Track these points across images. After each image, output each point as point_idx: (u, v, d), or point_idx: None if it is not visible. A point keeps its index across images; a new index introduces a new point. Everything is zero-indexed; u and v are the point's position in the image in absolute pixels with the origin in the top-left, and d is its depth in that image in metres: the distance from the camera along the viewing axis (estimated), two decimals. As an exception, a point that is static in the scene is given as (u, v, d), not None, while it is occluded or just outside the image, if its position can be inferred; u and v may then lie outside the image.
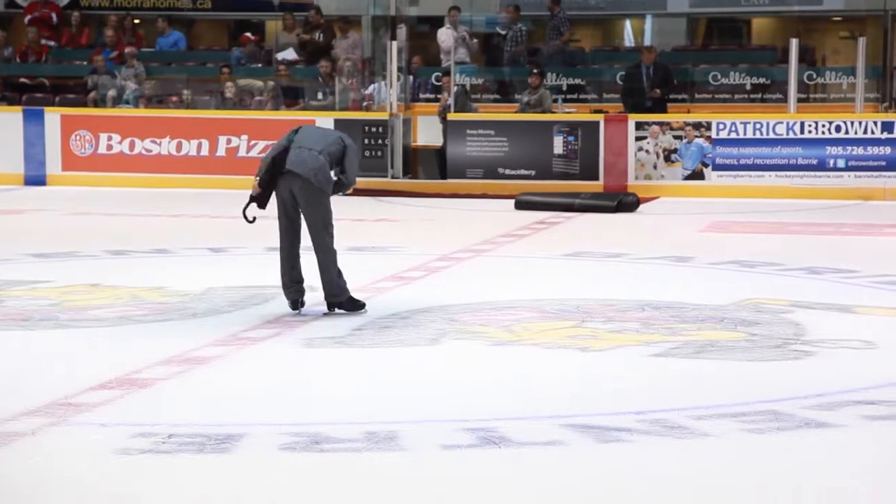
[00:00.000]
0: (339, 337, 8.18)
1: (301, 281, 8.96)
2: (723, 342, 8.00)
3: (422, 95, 20.66)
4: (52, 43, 22.20)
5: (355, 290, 9.13)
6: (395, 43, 18.65)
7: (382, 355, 7.77)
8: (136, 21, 22.89)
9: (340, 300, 8.91)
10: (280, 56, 20.67)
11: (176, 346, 7.86)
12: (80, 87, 21.06)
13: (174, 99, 20.18)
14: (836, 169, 17.01)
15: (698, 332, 8.33)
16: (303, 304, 8.96)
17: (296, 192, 8.76)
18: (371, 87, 19.58)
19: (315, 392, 6.94)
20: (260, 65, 21.39)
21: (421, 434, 6.01)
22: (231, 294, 9.68)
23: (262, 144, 18.25)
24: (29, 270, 10.85)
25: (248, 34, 22.22)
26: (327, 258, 8.85)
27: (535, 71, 19.12)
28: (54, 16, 22.85)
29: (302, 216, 8.89)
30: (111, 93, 20.14)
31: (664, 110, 18.37)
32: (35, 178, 18.59)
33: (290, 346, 7.98)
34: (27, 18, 22.21)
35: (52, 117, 18.79)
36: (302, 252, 8.98)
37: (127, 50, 20.84)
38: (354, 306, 8.94)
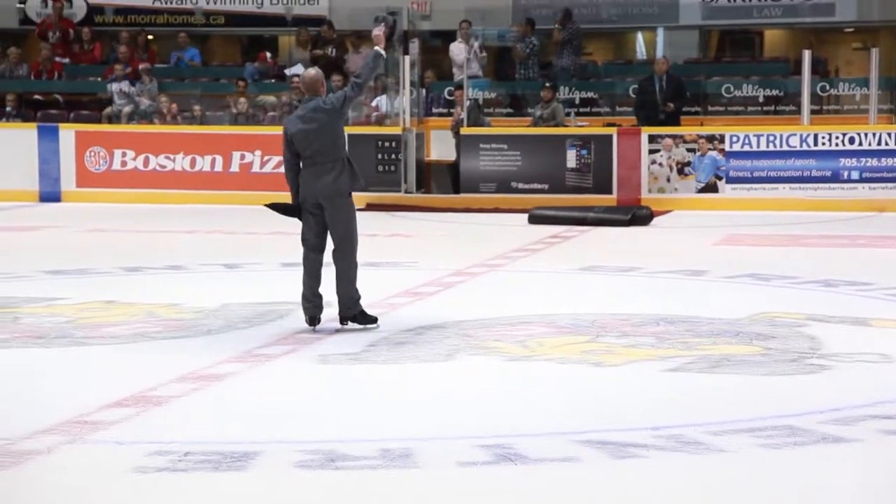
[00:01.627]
0: (353, 353, 8.18)
1: (321, 296, 8.97)
2: (738, 356, 7.98)
3: (434, 110, 20.67)
4: (65, 60, 22.26)
5: (369, 306, 9.13)
6: (407, 57, 18.68)
7: (397, 371, 7.77)
8: (150, 37, 22.94)
9: (354, 313, 8.93)
10: (290, 72, 20.72)
11: (191, 362, 7.87)
12: (94, 102, 21.12)
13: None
14: (850, 181, 16.98)
15: (713, 346, 8.31)
16: (319, 320, 8.98)
17: (322, 203, 8.85)
18: (376, 100, 19.59)
19: (330, 409, 6.94)
20: (273, 80, 21.44)
21: (436, 451, 6.00)
22: (246, 310, 9.69)
23: (275, 160, 18.27)
24: (44, 287, 10.87)
25: (265, 53, 22.27)
26: (350, 270, 8.91)
27: (547, 84, 19.13)
28: (72, 32, 22.92)
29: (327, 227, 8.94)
30: (126, 109, 20.20)
31: (677, 123, 18.35)
32: (50, 195, 18.64)
33: (304, 363, 7.99)
34: (45, 34, 22.22)
35: (67, 134, 18.85)
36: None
37: (140, 66, 20.89)
38: (366, 320, 8.96)
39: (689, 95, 19.33)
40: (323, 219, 8.93)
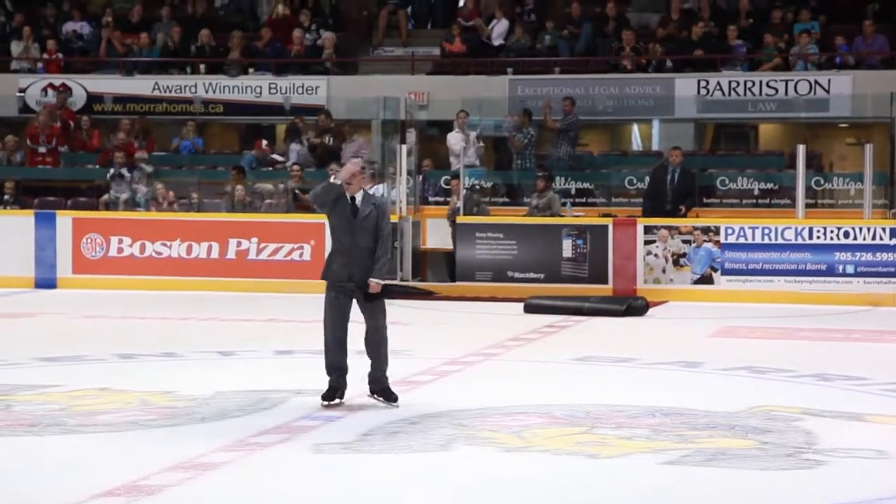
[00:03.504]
0: (347, 443, 8.14)
1: (347, 370, 9.19)
2: (734, 450, 7.94)
3: (431, 198, 20.76)
4: (64, 147, 22.39)
5: (364, 395, 9.12)
6: (404, 146, 18.80)
7: (392, 462, 7.73)
8: (148, 125, 23.08)
9: (383, 386, 9.18)
10: (283, 159, 20.86)
11: (184, 451, 7.82)
12: (91, 189, 21.21)
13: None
14: (845, 275, 17.01)
15: (709, 439, 8.28)
16: (342, 395, 9.16)
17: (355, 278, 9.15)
18: (373, 189, 19.65)
19: (323, 500, 6.89)
20: (271, 168, 21.55)
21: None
22: (240, 398, 9.66)
23: (271, 247, 18.33)
24: (38, 374, 10.84)
25: (262, 140, 22.41)
26: (384, 341, 9.25)
27: (541, 174, 19.25)
28: (71, 123, 23.09)
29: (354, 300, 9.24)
30: (123, 196, 20.27)
31: (684, 216, 18.40)
32: (46, 281, 18.63)
33: (299, 452, 7.94)
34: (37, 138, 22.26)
35: (64, 220, 18.87)
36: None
37: (138, 154, 21.01)
38: (390, 398, 9.22)
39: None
40: (351, 288, 9.29)
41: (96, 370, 11.19)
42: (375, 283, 9.20)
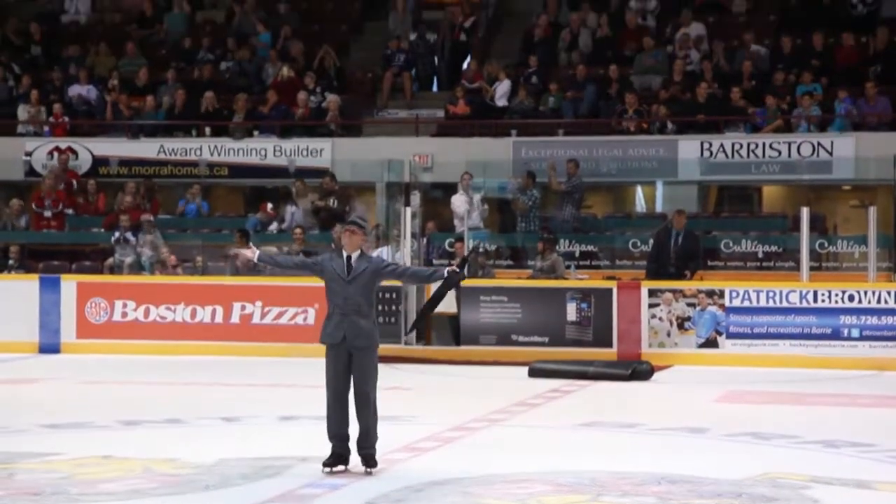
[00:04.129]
0: (351, 512, 8.10)
1: (349, 437, 9.19)
2: (741, 519, 7.89)
3: (435, 261, 20.75)
4: (69, 210, 22.45)
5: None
6: (409, 209, 18.83)
7: (396, 532, 7.68)
8: (154, 188, 23.15)
9: (373, 452, 9.20)
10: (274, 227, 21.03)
11: (187, 522, 7.77)
12: (96, 253, 21.22)
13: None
14: (850, 338, 16.96)
15: (716, 508, 8.22)
16: (346, 462, 9.15)
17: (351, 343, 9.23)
18: (377, 251, 19.69)
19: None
20: (276, 231, 21.57)
21: None
22: (243, 465, 9.61)
23: (276, 311, 18.31)
24: (41, 442, 10.79)
25: (267, 203, 22.46)
26: (376, 405, 9.24)
27: (544, 236, 19.27)
28: (75, 183, 23.19)
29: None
30: (128, 260, 20.30)
31: (688, 279, 18.41)
32: (49, 346, 18.60)
33: (302, 523, 7.90)
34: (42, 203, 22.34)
35: (69, 285, 18.87)
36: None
37: (143, 217, 21.05)
38: (369, 464, 9.23)
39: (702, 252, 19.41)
40: (349, 352, 9.39)
41: (99, 437, 11.15)
42: (460, 273, 9.44)
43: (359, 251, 9.40)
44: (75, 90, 25.56)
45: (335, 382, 9.26)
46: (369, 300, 9.34)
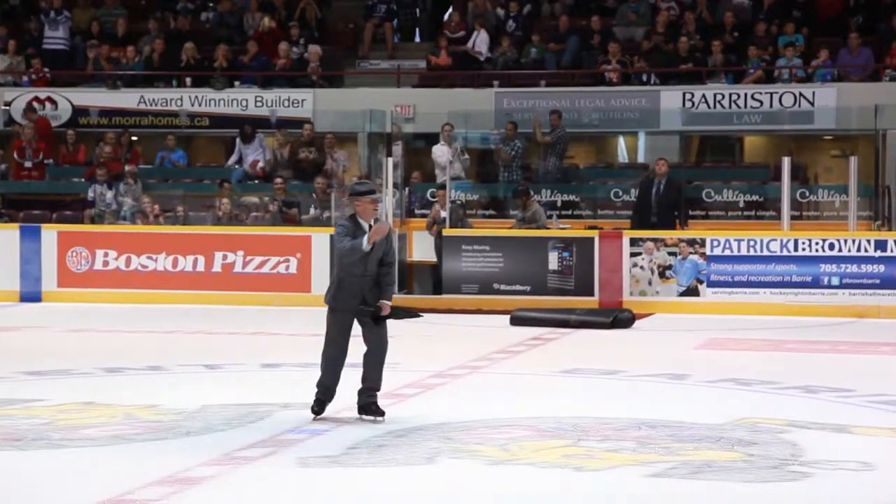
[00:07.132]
0: (333, 456, 8.13)
1: (335, 392, 9.27)
2: (720, 462, 7.94)
3: (417, 211, 20.76)
4: (49, 161, 22.34)
5: (350, 408, 9.12)
6: (391, 159, 18.78)
7: (377, 475, 7.71)
8: (134, 138, 23.06)
9: (374, 401, 9.26)
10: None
11: (169, 465, 7.79)
12: (76, 203, 21.15)
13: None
14: (830, 287, 17.03)
15: (695, 451, 8.28)
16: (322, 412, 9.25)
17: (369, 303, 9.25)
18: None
19: (309, 513, 6.88)
20: (257, 181, 21.52)
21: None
22: (226, 412, 9.63)
23: (257, 260, 18.29)
24: (23, 389, 10.80)
25: (247, 126, 22.31)
26: (385, 358, 9.32)
27: (518, 188, 19.30)
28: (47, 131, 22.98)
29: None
30: (108, 209, 20.23)
31: (672, 227, 18.43)
32: (31, 295, 18.56)
33: (284, 466, 7.92)
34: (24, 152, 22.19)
35: (49, 234, 18.81)
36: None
37: (127, 168, 20.97)
38: (378, 412, 9.25)
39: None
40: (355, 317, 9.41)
41: (81, 384, 11.16)
42: (387, 305, 9.29)
43: (373, 221, 9.41)
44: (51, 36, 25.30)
45: (342, 344, 9.30)
46: (379, 266, 9.39)
